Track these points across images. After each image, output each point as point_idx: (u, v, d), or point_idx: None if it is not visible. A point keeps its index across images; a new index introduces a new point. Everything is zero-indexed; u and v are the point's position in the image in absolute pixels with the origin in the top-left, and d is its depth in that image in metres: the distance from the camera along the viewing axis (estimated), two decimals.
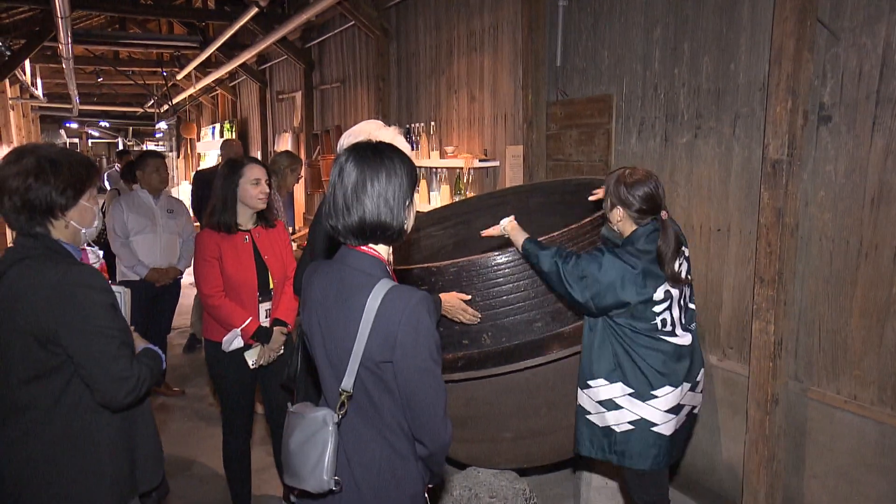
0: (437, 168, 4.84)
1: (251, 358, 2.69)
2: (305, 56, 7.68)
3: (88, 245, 1.76)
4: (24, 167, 1.56)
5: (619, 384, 2.17)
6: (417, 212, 2.04)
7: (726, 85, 2.79)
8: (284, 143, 8.48)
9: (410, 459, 1.48)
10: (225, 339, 2.67)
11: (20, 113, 12.17)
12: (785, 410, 2.62)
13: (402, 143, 2.01)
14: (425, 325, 1.39)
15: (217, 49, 8.08)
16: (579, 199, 3.31)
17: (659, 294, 2.13)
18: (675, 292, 2.18)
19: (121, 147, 21.94)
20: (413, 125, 5.16)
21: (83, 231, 1.68)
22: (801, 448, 2.60)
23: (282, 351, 2.76)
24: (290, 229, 7.36)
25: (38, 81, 11.72)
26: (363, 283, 1.42)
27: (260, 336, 2.68)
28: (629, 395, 2.16)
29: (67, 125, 20.01)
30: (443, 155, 4.68)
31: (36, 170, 1.56)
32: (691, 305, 2.29)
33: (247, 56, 7.86)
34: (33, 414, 1.57)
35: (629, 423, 2.18)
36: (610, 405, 2.19)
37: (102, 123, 21.05)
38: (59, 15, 5.54)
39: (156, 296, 4.16)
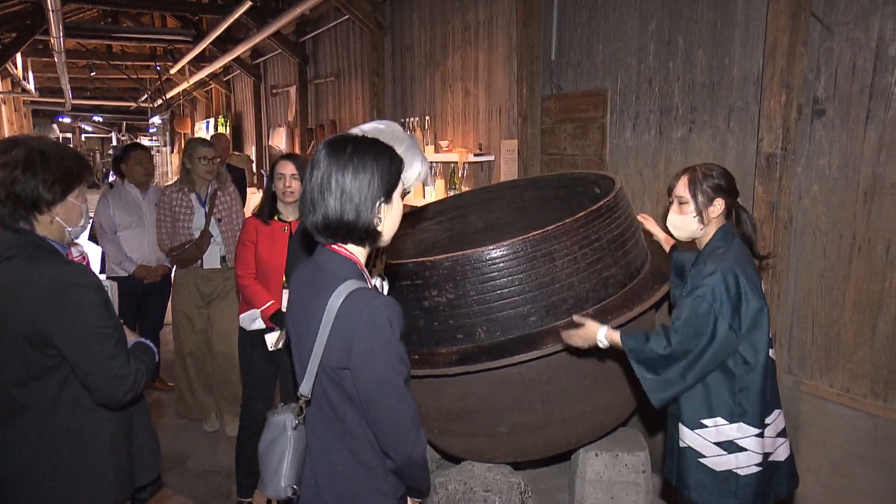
0: (431, 163, 4.83)
1: (271, 341, 2.78)
2: (300, 50, 7.65)
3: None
4: (12, 158, 1.52)
5: (743, 424, 1.90)
6: (412, 207, 2.03)
7: (721, 79, 2.79)
8: (279, 137, 8.45)
9: (377, 472, 1.39)
10: (243, 316, 2.84)
11: (11, 107, 12.09)
12: None
13: (415, 161, 1.83)
14: (383, 333, 1.30)
15: (211, 43, 8.04)
16: (574, 193, 3.31)
17: (763, 292, 1.93)
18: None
19: (114, 142, 21.84)
20: (408, 119, 5.15)
21: (68, 229, 1.64)
22: (794, 441, 2.61)
23: None
24: None
25: (30, 75, 11.63)
26: (328, 284, 1.35)
27: (277, 320, 2.76)
28: (756, 435, 1.90)
29: (60, 120, 19.88)
30: (437, 149, 4.67)
31: (24, 161, 1.53)
32: None
33: (241, 50, 7.83)
34: (32, 415, 1.55)
35: (756, 465, 1.91)
36: (732, 447, 1.91)
37: (95, 118, 20.93)
38: (50, 8, 5.49)
39: (145, 292, 4.13)
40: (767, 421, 1.92)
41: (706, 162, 2.07)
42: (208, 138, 5.71)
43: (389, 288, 2.07)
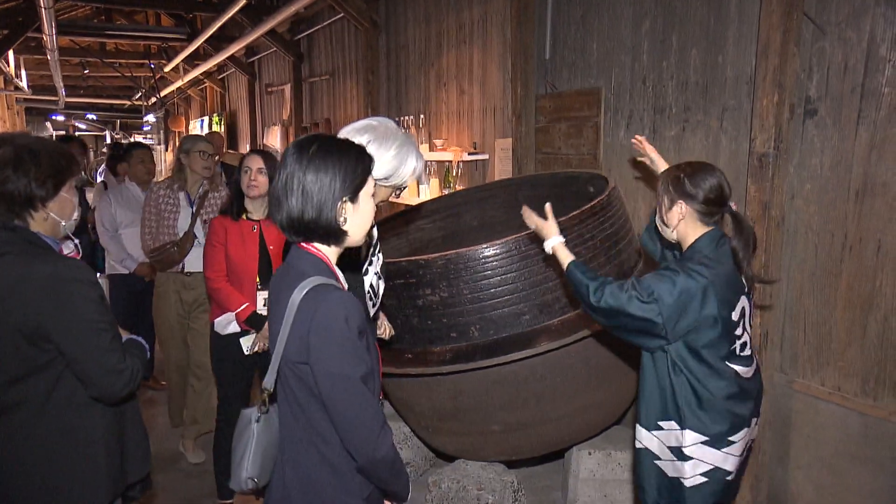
0: (426, 161, 4.83)
1: (246, 344, 2.73)
2: (294, 48, 7.63)
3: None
4: (1, 157, 1.52)
5: (690, 431, 1.83)
6: (406, 205, 2.03)
7: (714, 78, 2.80)
8: (274, 136, 8.43)
9: (343, 471, 1.38)
10: (218, 320, 2.74)
11: (4, 105, 12.02)
12: (770, 402, 2.64)
13: (408, 157, 1.82)
14: (337, 328, 1.29)
15: (205, 41, 8.01)
16: (568, 192, 3.32)
17: (737, 311, 1.83)
18: (748, 306, 1.89)
19: (108, 140, 21.74)
20: (402, 118, 5.14)
21: (63, 223, 1.64)
22: (786, 439, 2.62)
23: None
24: None
25: (23, 73, 11.55)
26: (294, 280, 1.36)
27: (253, 322, 2.69)
28: (703, 443, 1.83)
29: (53, 118, 19.77)
30: (432, 148, 4.67)
31: (15, 160, 1.52)
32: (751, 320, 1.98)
33: (235, 48, 7.80)
34: (24, 411, 1.55)
35: (702, 474, 1.84)
36: (680, 454, 1.85)
37: (89, 116, 20.81)
38: (42, 5, 5.46)
39: (144, 290, 4.13)
40: (733, 439, 1.83)
41: (698, 161, 1.95)
42: (203, 135, 5.62)
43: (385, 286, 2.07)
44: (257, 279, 2.74)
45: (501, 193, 3.61)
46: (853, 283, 2.37)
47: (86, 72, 12.20)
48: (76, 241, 1.78)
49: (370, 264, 1.94)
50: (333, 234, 1.37)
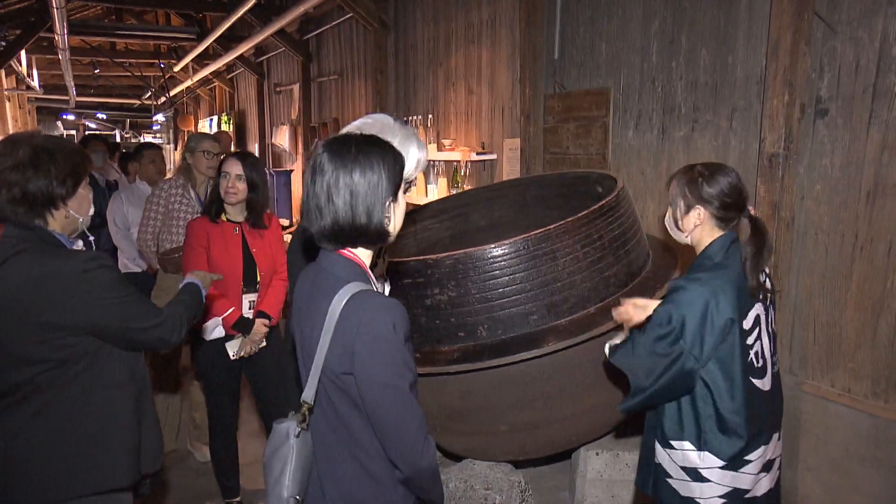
0: (434, 161, 4.84)
1: (232, 349, 2.70)
2: (303, 48, 7.65)
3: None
4: (20, 159, 1.55)
5: (708, 454, 1.74)
6: (414, 205, 2.03)
7: (724, 78, 2.79)
8: (282, 135, 8.46)
9: (386, 483, 1.33)
10: (205, 325, 2.68)
11: (16, 104, 12.12)
12: None
13: (411, 147, 1.79)
14: (386, 335, 1.24)
15: (214, 41, 8.04)
16: (577, 192, 3.31)
17: (749, 320, 1.74)
18: (763, 314, 1.78)
19: (118, 139, 21.88)
20: (411, 118, 5.15)
21: (80, 220, 1.69)
22: (795, 441, 2.61)
23: (264, 343, 2.77)
24: (287, 222, 7.36)
25: (35, 73, 11.66)
26: (331, 287, 1.30)
27: (241, 326, 2.67)
28: (720, 467, 1.73)
29: (64, 117, 19.92)
30: (440, 148, 4.67)
31: (34, 161, 1.56)
32: (773, 328, 1.87)
33: (244, 48, 7.83)
34: (45, 396, 1.59)
35: (719, 497, 1.75)
36: (695, 475, 1.76)
37: (99, 115, 20.96)
38: (54, 5, 5.50)
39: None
40: (750, 458, 1.74)
41: (714, 162, 1.86)
42: (211, 133, 5.58)
43: (391, 287, 2.07)
44: (242, 283, 2.71)
45: (510, 193, 3.61)
46: (864, 284, 2.36)
47: (96, 71, 12.28)
48: (91, 237, 1.81)
49: (374, 266, 1.92)
50: (382, 236, 1.32)
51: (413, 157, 1.75)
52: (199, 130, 13.79)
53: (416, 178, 1.89)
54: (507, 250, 2.40)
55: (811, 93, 2.47)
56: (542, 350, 2.35)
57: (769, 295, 1.81)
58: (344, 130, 1.79)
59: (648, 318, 1.78)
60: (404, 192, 1.41)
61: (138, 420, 1.72)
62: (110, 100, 17.68)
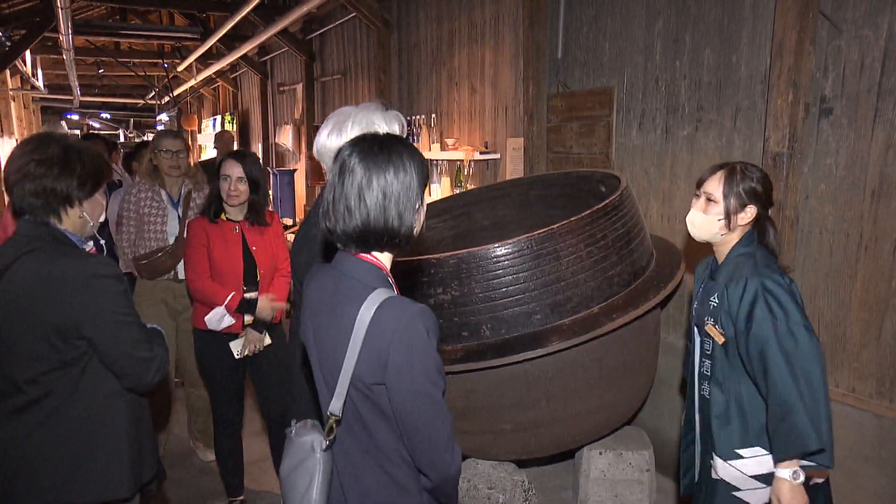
0: (437, 160, 4.84)
1: (236, 348, 2.71)
2: (306, 48, 7.66)
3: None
4: (50, 155, 1.59)
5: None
6: None
7: (727, 77, 2.78)
8: (285, 135, 8.47)
9: (412, 492, 1.30)
10: (209, 317, 2.67)
11: (21, 104, 12.16)
12: None
13: (365, 121, 1.79)
14: (421, 343, 1.21)
15: (218, 40, 8.06)
16: (580, 192, 3.31)
17: None
18: None
19: (122, 139, 21.93)
20: (414, 117, 5.15)
21: (90, 224, 1.71)
22: None
23: (268, 341, 2.77)
24: (290, 221, 7.36)
25: (39, 72, 11.69)
26: (357, 294, 1.25)
27: (244, 308, 2.69)
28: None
29: (68, 116, 19.98)
30: (443, 147, 4.67)
31: (63, 159, 1.60)
32: None
33: (248, 48, 7.84)
34: (52, 402, 1.59)
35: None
36: (770, 480, 1.71)
37: (103, 115, 21.02)
38: (59, 5, 5.52)
39: None
40: None
41: (744, 161, 1.86)
42: (174, 130, 5.37)
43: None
44: (242, 282, 2.72)
45: (513, 193, 3.61)
46: (868, 283, 2.35)
47: (100, 71, 12.32)
48: (102, 241, 1.83)
49: None
50: (410, 239, 1.27)
51: (379, 126, 1.73)
52: (202, 130, 13.81)
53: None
54: (510, 250, 2.40)
55: (816, 92, 2.46)
56: (546, 349, 2.35)
57: None
58: (318, 139, 1.77)
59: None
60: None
61: (136, 429, 1.71)
62: (114, 99, 17.74)
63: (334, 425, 1.30)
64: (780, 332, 1.63)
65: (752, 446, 1.73)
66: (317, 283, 1.36)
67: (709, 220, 1.82)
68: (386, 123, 1.77)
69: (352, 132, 1.76)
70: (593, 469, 2.82)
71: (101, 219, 1.75)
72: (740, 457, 1.74)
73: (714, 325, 1.79)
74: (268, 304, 2.75)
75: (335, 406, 1.28)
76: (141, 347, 1.61)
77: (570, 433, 2.67)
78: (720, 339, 1.77)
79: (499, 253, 2.40)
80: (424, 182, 1.28)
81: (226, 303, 2.66)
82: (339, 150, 1.27)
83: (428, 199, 4.34)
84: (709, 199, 1.81)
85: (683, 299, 3.10)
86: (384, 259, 1.31)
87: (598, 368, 2.54)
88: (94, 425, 1.62)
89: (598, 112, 3.45)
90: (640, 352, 2.69)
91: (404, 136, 1.84)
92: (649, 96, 3.18)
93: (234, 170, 2.65)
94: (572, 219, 2.46)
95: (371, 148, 1.23)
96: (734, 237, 1.82)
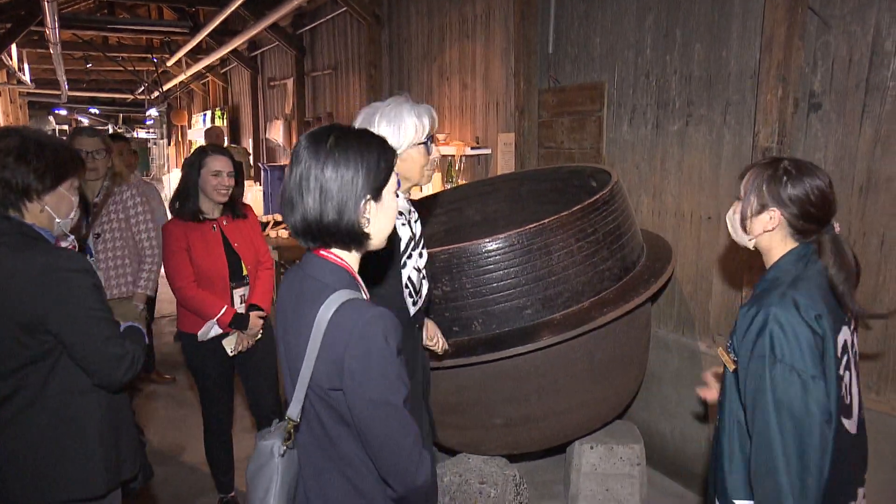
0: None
1: (229, 345, 2.67)
2: (297, 42, 7.62)
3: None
4: (6, 145, 1.54)
5: None
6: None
7: (718, 72, 2.79)
8: (276, 130, 8.43)
9: (377, 501, 1.26)
10: (201, 331, 2.63)
11: (7, 98, 12.02)
12: None
13: (403, 117, 1.76)
14: (379, 349, 1.15)
15: (207, 35, 8.00)
16: (571, 187, 3.31)
17: (839, 345, 1.42)
18: (851, 340, 1.50)
19: (111, 132, 21.74)
20: None
21: (57, 221, 1.65)
22: None
23: (260, 335, 2.76)
24: (280, 217, 7.33)
25: (26, 67, 11.56)
26: (317, 295, 1.20)
27: (237, 323, 2.64)
28: None
29: (56, 111, 19.78)
30: (434, 142, 4.66)
31: (18, 150, 1.55)
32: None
33: (237, 42, 7.79)
34: (21, 401, 1.56)
35: None
36: None
37: (92, 110, 20.83)
38: None
39: None
40: None
41: (805, 161, 1.53)
42: (92, 127, 4.79)
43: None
44: (229, 282, 2.67)
45: (504, 188, 3.61)
46: None
47: (88, 66, 12.21)
48: (72, 238, 1.78)
49: (409, 257, 1.86)
50: (356, 237, 1.23)
51: (410, 122, 1.74)
52: (192, 125, 13.71)
53: (430, 139, 1.82)
54: (501, 245, 2.40)
55: (805, 87, 2.47)
56: (537, 344, 2.36)
57: (857, 323, 1.54)
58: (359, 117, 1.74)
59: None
60: (395, 193, 1.31)
61: (114, 426, 1.68)
62: (103, 94, 17.58)
63: (292, 430, 1.27)
64: (777, 375, 1.35)
65: (751, 499, 1.46)
66: (286, 283, 1.33)
67: (731, 221, 1.59)
68: (416, 116, 1.76)
69: (380, 126, 1.75)
70: (584, 463, 2.83)
71: (72, 215, 1.68)
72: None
73: (727, 350, 1.55)
74: (258, 322, 2.71)
75: (293, 411, 1.25)
76: (112, 343, 1.57)
77: (561, 428, 2.68)
78: (731, 366, 1.52)
79: (490, 248, 2.40)
80: (379, 179, 1.21)
81: (218, 317, 2.60)
82: (297, 141, 1.25)
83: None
84: (738, 197, 1.57)
85: (674, 294, 3.11)
86: (349, 259, 1.27)
87: (589, 363, 2.55)
88: (64, 422, 1.59)
89: (589, 107, 3.45)
90: (630, 346, 2.70)
91: (433, 130, 1.81)
92: (640, 91, 3.18)
93: (226, 165, 2.61)
94: (563, 214, 2.46)
95: (319, 141, 1.20)
96: (774, 250, 1.51)
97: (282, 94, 8.50)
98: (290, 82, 8.02)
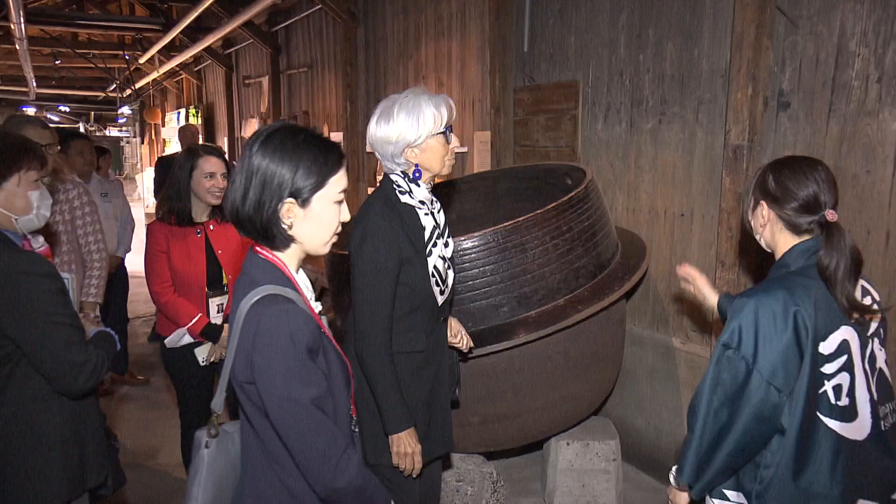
0: None
1: (201, 355, 2.59)
2: (272, 40, 7.54)
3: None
4: None
5: None
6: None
7: (690, 71, 2.82)
8: (252, 128, 8.34)
9: (306, 500, 1.24)
10: (169, 338, 2.55)
11: None
12: None
13: (422, 108, 1.74)
14: (282, 345, 1.14)
15: (181, 32, 7.88)
16: (546, 185, 3.33)
17: (832, 343, 1.38)
18: (856, 341, 1.41)
19: (82, 131, 21.31)
20: None
21: (14, 218, 1.59)
22: None
23: None
24: None
25: None
26: (244, 290, 1.21)
27: (208, 334, 2.55)
28: None
29: (24, 109, 19.32)
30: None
31: None
32: (885, 368, 1.48)
33: (211, 40, 7.69)
34: None
35: None
36: None
37: (62, 108, 20.38)
38: None
39: (110, 281, 4.03)
40: None
41: (804, 157, 1.54)
42: (39, 118, 4.75)
43: None
44: (206, 287, 2.56)
45: (480, 186, 3.61)
46: None
47: (57, 62, 11.93)
48: (42, 239, 1.72)
49: (434, 246, 1.85)
50: (272, 237, 1.22)
51: (428, 114, 1.73)
52: (166, 124, 13.50)
53: (450, 128, 1.81)
54: (476, 243, 2.40)
55: (774, 86, 2.51)
56: (512, 342, 2.37)
57: (873, 321, 1.46)
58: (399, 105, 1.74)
59: None
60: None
61: (77, 433, 1.63)
62: (73, 92, 17.20)
63: (215, 421, 1.32)
64: (724, 360, 1.38)
65: (738, 490, 1.45)
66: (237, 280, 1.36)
67: (746, 220, 1.58)
68: (434, 106, 1.75)
69: (398, 117, 1.74)
70: (561, 460, 2.85)
71: (33, 212, 1.61)
72: (727, 498, 1.48)
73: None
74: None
75: (216, 402, 1.29)
76: (73, 350, 1.51)
77: (537, 424, 2.70)
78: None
79: (465, 246, 2.40)
80: (309, 184, 1.20)
81: (189, 326, 2.51)
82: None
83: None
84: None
85: (648, 290, 3.14)
86: (285, 256, 1.26)
87: (565, 360, 2.56)
88: (22, 429, 1.54)
89: (564, 105, 3.47)
90: (605, 343, 2.72)
91: (451, 119, 1.79)
92: (614, 90, 3.21)
93: (220, 167, 2.51)
94: (538, 211, 2.47)
95: (270, 137, 1.20)
96: (780, 246, 1.49)
97: (257, 93, 8.41)
98: (265, 80, 7.94)
